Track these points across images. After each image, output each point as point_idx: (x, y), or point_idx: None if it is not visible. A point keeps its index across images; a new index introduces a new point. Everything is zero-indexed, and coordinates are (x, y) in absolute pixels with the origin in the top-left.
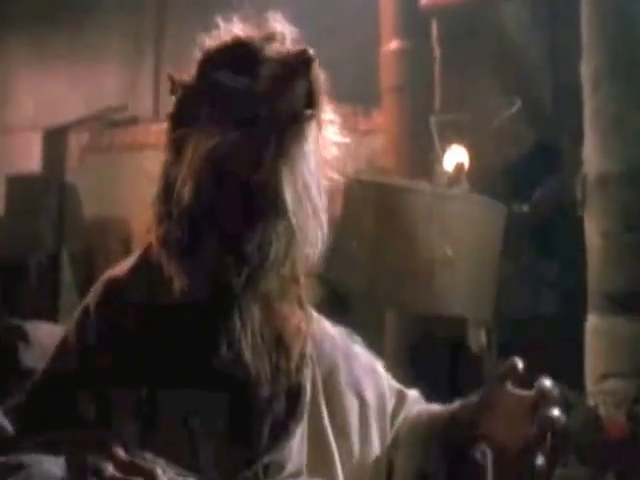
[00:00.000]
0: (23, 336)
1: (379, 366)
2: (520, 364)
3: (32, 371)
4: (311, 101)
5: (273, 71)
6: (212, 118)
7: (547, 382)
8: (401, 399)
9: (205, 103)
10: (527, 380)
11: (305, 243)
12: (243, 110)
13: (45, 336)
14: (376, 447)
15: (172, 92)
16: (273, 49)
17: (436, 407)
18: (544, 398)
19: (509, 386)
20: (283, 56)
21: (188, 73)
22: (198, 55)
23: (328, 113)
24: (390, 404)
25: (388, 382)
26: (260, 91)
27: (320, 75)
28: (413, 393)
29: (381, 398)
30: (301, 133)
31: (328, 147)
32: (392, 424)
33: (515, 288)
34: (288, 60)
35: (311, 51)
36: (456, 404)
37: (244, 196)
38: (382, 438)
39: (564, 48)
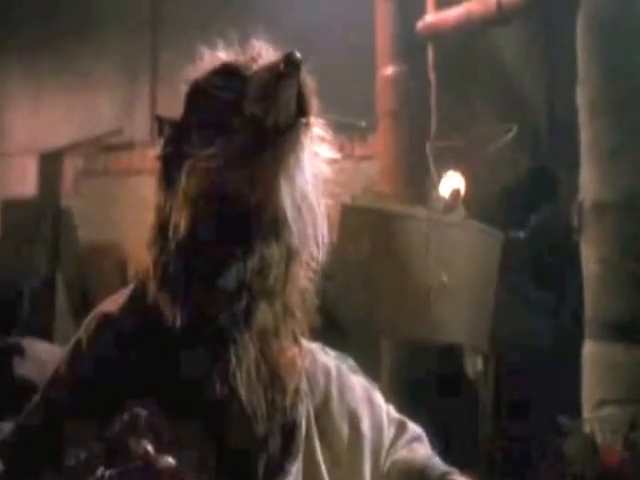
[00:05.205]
0: (19, 351)
1: (377, 396)
2: None
3: (27, 381)
4: (301, 105)
5: (262, 77)
6: (203, 143)
7: None
8: (401, 429)
9: (195, 132)
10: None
11: (305, 253)
12: (235, 121)
13: (43, 351)
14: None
15: (160, 134)
16: (259, 65)
17: (431, 460)
18: None
19: None
20: (270, 63)
21: (182, 100)
22: (185, 89)
23: (318, 128)
24: (388, 435)
25: (387, 412)
26: (251, 97)
27: (308, 79)
28: (415, 428)
29: (378, 430)
30: (297, 141)
31: (318, 163)
32: (389, 453)
33: (511, 315)
34: (276, 64)
35: (298, 54)
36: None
37: (242, 216)
38: (375, 470)
39: (560, 75)
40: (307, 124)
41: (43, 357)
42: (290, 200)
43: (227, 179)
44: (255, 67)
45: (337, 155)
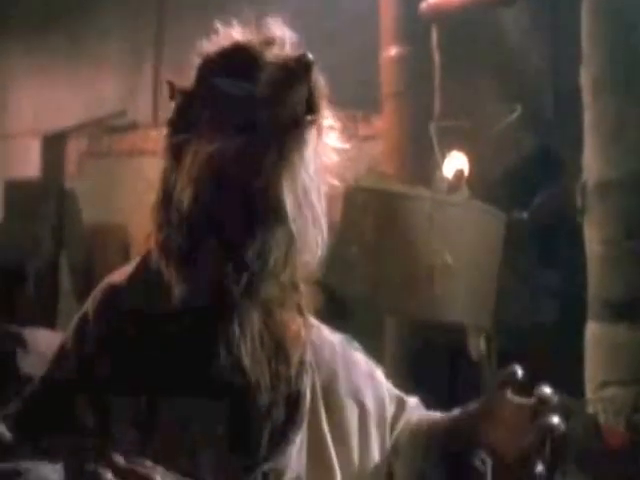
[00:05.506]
0: (22, 343)
1: (379, 373)
2: (519, 371)
3: (30, 378)
4: (311, 106)
5: (273, 76)
6: (212, 124)
7: (546, 389)
8: (401, 406)
9: (205, 109)
10: (527, 387)
11: (305, 249)
12: (243, 115)
13: (43, 343)
14: (375, 454)
15: (171, 97)
16: (273, 54)
17: (436, 414)
18: (543, 405)
19: (509, 394)
20: (283, 61)
21: (188, 79)
22: (197, 61)
23: (328, 119)
24: (390, 411)
25: (388, 389)
26: (260, 96)
27: (320, 80)
28: (413, 400)
29: (381, 405)
30: (301, 138)
31: (328, 153)
32: (392, 430)
33: (514, 295)
34: (288, 65)
35: (310, 55)
36: (456, 412)
37: (244, 202)
38: (381, 445)
39: (565, 55)
40: (312, 121)
41: (45, 349)
42: (292, 196)
43: (231, 161)
44: (268, 53)
45: (345, 146)
